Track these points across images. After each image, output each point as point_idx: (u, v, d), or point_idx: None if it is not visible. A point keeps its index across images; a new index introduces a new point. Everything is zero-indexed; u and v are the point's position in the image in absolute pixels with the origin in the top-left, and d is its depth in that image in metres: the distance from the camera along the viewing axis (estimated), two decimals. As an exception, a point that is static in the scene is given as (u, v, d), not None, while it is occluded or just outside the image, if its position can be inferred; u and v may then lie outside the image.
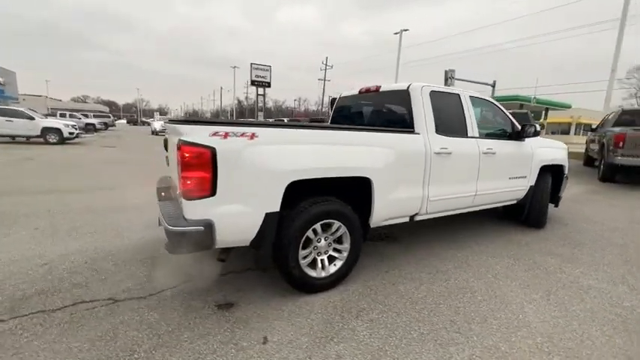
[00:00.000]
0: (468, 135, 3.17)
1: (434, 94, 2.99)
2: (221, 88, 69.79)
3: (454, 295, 2.47)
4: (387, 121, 3.28)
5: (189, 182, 1.84)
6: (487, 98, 3.58)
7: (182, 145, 1.81)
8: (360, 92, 3.63)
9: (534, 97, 27.40)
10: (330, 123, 4.03)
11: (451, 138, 2.98)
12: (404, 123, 2.99)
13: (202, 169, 1.83)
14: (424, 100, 2.90)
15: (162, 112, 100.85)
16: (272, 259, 2.22)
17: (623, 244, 3.72)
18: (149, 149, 13.22)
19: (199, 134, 1.84)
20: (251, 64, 33.64)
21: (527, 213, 3.99)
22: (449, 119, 3.06)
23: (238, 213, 1.96)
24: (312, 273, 2.35)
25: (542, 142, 4.02)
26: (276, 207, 2.07)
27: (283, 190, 2.06)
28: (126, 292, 2.32)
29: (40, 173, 6.96)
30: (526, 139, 3.69)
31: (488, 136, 3.45)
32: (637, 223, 4.61)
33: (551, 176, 4.12)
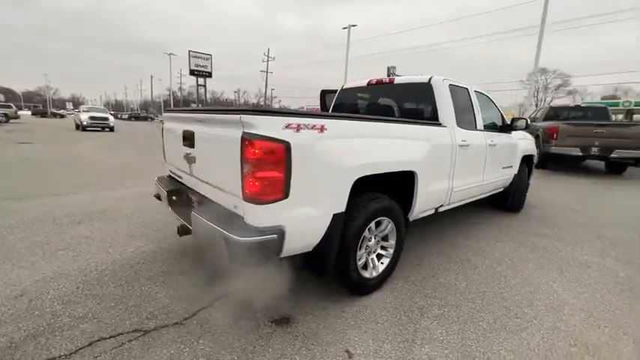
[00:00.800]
0: (477, 128, 3.31)
1: (451, 88, 3.05)
2: (151, 77, 63.31)
3: (491, 281, 2.58)
4: (404, 114, 3.26)
5: (258, 183, 1.56)
6: (484, 92, 3.78)
7: (254, 139, 1.52)
8: (369, 84, 3.54)
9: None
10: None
11: (468, 131, 3.08)
12: (423, 116, 3.00)
13: (276, 168, 1.57)
14: (446, 93, 2.94)
15: (77, 102, 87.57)
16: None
17: (585, 221, 4.32)
18: (79, 145, 11.33)
19: (273, 127, 1.56)
20: (189, 51, 31.10)
21: (511, 199, 4.37)
22: (464, 112, 3.15)
23: (308, 216, 1.74)
24: (366, 274, 2.23)
25: (520, 135, 4.43)
26: (342, 207, 1.88)
27: (350, 188, 1.89)
28: (152, 320, 1.91)
29: (-58, 178, 5.44)
30: (512, 132, 4.02)
31: (487, 128, 3.66)
32: (584, 202, 5.41)
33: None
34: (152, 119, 55.90)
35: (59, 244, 2.91)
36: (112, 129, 19.09)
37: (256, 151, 1.52)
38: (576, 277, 2.71)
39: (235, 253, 1.59)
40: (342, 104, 3.85)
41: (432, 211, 2.92)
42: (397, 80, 3.26)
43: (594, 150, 7.59)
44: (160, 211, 3.90)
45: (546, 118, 9.29)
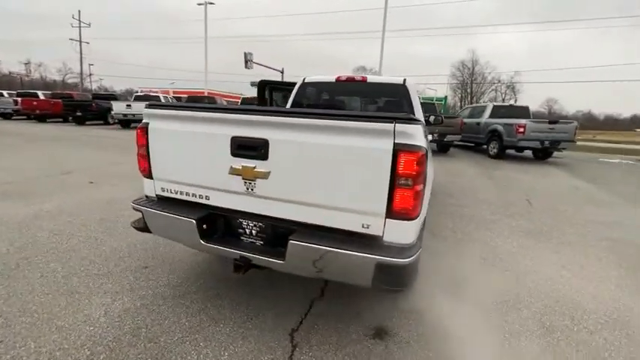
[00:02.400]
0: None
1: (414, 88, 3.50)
2: None
3: (468, 247, 3.24)
4: (376, 111, 3.49)
5: (412, 198, 1.46)
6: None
7: (414, 151, 1.41)
8: (337, 80, 3.55)
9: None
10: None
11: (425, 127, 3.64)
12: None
13: (423, 179, 1.50)
14: (415, 94, 3.36)
15: None
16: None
17: (464, 189, 5.90)
18: None
19: (419, 135, 1.48)
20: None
21: (425, 179, 5.43)
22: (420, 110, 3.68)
23: (419, 224, 1.74)
24: (414, 265, 2.40)
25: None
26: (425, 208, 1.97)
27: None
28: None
29: None
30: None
31: (419, 123, 4.39)
32: (450, 174, 7.28)
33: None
34: None
35: (-64, 343, 1.62)
36: None
37: (415, 163, 1.41)
38: (499, 232, 3.77)
39: (391, 276, 1.44)
40: (306, 99, 3.70)
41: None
42: (370, 79, 3.44)
43: (435, 135, 10.21)
44: (72, 248, 2.71)
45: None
